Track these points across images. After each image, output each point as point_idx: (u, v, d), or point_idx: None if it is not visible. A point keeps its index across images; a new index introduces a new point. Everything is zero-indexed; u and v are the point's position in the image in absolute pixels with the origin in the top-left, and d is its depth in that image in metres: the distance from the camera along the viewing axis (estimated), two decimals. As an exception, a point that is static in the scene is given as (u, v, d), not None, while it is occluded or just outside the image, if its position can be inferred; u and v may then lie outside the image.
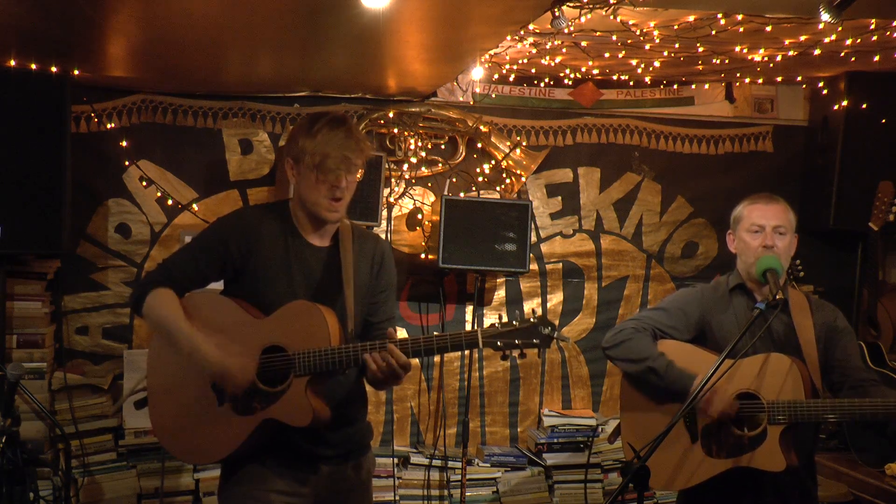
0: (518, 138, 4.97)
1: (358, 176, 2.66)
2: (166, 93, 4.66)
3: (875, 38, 3.82)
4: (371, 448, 2.87)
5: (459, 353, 4.98)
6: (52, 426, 4.22)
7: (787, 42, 3.92)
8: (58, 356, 4.50)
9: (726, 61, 4.30)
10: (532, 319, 2.52)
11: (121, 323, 4.67)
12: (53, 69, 4.05)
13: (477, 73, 4.43)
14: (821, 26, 3.60)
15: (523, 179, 4.93)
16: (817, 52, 4.06)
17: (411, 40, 3.70)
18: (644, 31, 3.75)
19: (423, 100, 4.82)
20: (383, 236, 4.80)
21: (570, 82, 4.97)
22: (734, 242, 3.11)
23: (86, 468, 4.32)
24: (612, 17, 3.45)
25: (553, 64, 4.46)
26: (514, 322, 2.52)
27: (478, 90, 4.93)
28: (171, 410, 2.68)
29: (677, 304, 3.15)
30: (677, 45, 4.00)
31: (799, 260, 4.49)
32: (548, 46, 4.08)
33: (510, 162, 4.89)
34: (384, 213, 4.74)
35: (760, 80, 5.10)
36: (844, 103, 4.76)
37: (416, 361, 2.70)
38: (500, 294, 5.06)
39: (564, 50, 4.21)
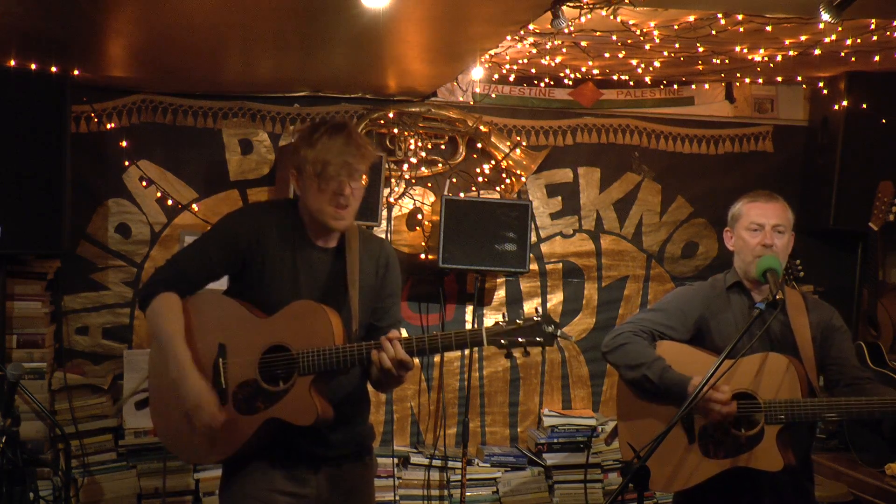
0: (518, 138, 4.97)
1: (363, 181, 2.65)
2: (166, 93, 4.66)
3: (875, 38, 3.82)
4: (373, 449, 2.87)
5: (459, 353, 4.98)
6: (52, 426, 4.22)
7: (787, 42, 3.92)
8: (58, 356, 4.50)
9: (726, 61, 4.30)
10: (536, 318, 2.52)
11: (121, 323, 4.67)
12: (53, 69, 4.04)
13: (477, 73, 4.43)
14: (821, 26, 3.60)
15: (523, 179, 4.93)
16: (817, 52, 4.06)
17: (411, 40, 3.70)
18: (644, 31, 3.75)
19: (423, 100, 4.82)
20: (383, 236, 4.80)
21: (570, 82, 4.97)
22: (732, 240, 3.10)
23: (86, 468, 4.32)
24: (612, 17, 3.45)
25: (553, 64, 4.46)
26: (518, 320, 2.52)
27: (478, 90, 4.93)
28: (174, 411, 2.67)
29: (676, 305, 3.14)
30: (677, 45, 4.00)
31: (799, 260, 4.50)
32: (548, 46, 4.08)
33: (510, 162, 4.89)
34: (384, 213, 4.74)
35: (760, 80, 5.10)
36: (844, 103, 4.76)
37: (416, 361, 2.69)
38: (500, 294, 5.06)
39: (564, 50, 4.21)
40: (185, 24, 3.39)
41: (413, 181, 4.91)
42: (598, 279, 5.17)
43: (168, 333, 2.61)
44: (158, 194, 4.66)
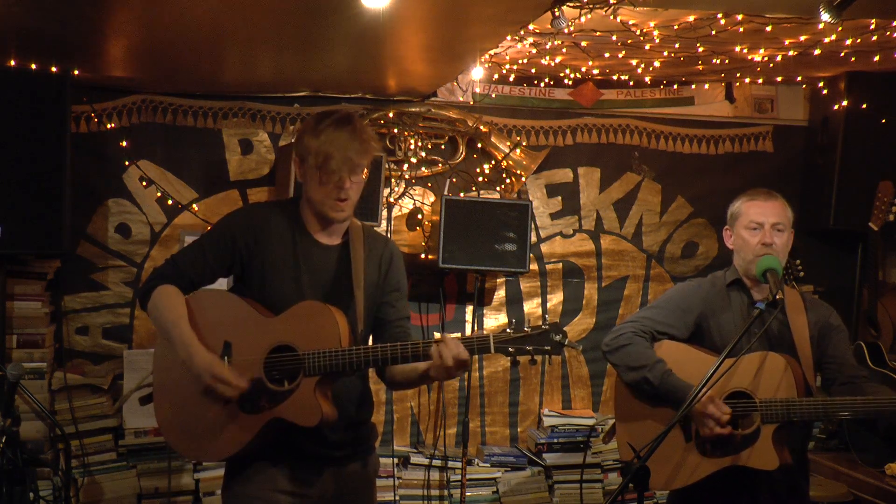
0: (518, 138, 4.97)
1: (363, 176, 2.65)
2: (166, 93, 4.66)
3: (875, 38, 3.83)
4: (375, 449, 2.87)
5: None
6: (52, 426, 4.22)
7: (787, 42, 3.92)
8: (58, 356, 4.50)
9: (726, 61, 4.30)
10: (544, 326, 2.49)
11: (121, 323, 4.67)
12: (53, 69, 4.04)
13: (477, 73, 4.43)
14: (821, 26, 3.60)
15: (523, 179, 4.93)
16: (817, 52, 4.06)
17: (411, 40, 3.70)
18: (644, 31, 3.75)
19: (423, 100, 4.82)
20: (383, 236, 4.80)
21: (570, 82, 4.97)
22: (731, 238, 3.11)
23: (86, 468, 4.32)
24: (612, 17, 3.45)
25: (553, 64, 4.46)
26: (527, 328, 2.50)
27: (478, 90, 4.93)
28: (178, 408, 2.66)
29: (676, 303, 3.14)
30: (677, 45, 4.00)
31: (799, 260, 4.50)
32: (548, 46, 4.08)
33: (510, 162, 4.89)
34: (384, 213, 4.74)
35: (760, 80, 5.10)
36: (844, 103, 4.76)
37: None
38: (500, 294, 5.06)
39: (564, 50, 4.21)
40: (185, 24, 3.39)
41: (413, 181, 4.91)
42: (598, 279, 5.17)
43: (171, 320, 2.59)
44: (158, 194, 4.66)
